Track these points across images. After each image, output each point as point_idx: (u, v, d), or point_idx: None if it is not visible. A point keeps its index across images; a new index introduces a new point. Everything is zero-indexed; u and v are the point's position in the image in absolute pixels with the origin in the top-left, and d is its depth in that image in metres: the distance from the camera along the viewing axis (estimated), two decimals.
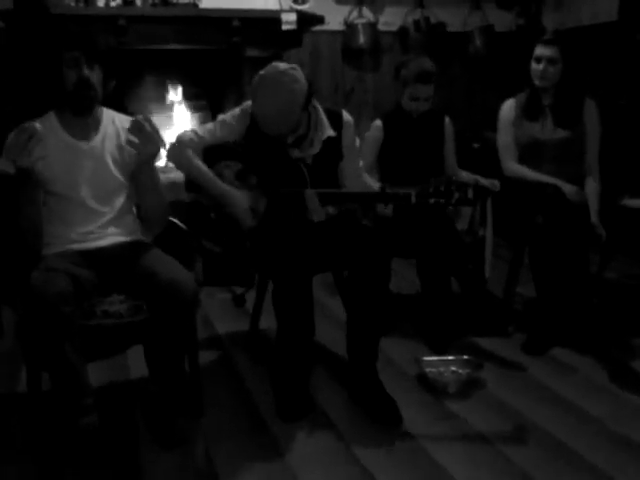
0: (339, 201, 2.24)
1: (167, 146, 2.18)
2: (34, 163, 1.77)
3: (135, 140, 1.90)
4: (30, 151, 1.74)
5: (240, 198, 2.22)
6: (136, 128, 1.89)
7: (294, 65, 2.14)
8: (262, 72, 2.11)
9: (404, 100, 2.75)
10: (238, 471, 1.84)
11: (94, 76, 1.95)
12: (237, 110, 2.31)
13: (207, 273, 3.37)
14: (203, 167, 2.26)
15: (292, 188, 2.19)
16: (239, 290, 3.26)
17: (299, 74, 2.10)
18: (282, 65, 2.12)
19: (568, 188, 2.61)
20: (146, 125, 1.89)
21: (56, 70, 1.94)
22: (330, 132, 2.26)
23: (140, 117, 1.91)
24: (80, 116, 2.02)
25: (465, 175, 2.87)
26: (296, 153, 2.25)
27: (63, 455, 1.90)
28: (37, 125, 1.77)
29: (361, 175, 2.47)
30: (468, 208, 2.77)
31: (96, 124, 2.06)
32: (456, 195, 2.04)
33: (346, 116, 2.35)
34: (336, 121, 2.30)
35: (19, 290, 1.86)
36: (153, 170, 2.05)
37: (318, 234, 2.21)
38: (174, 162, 2.34)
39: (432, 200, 2.05)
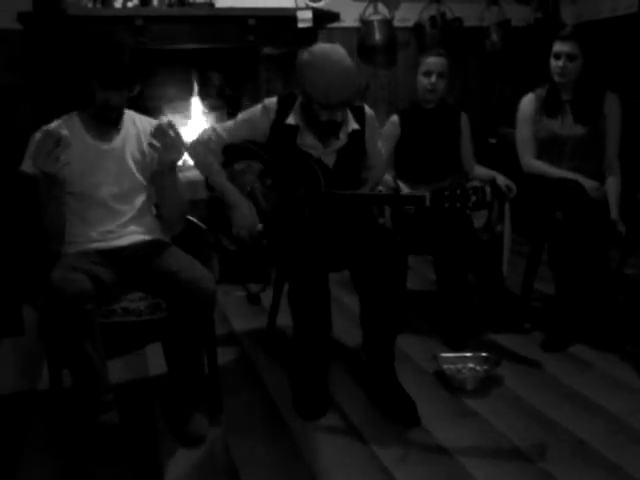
0: (353, 203, 2.23)
1: (187, 145, 2.19)
2: (60, 169, 1.79)
3: (158, 145, 1.91)
4: (57, 157, 1.76)
5: (244, 215, 2.22)
6: (160, 133, 1.90)
7: None
8: (313, 48, 2.12)
9: (418, 81, 2.75)
10: (257, 468, 1.86)
11: (122, 96, 1.96)
12: (258, 107, 2.30)
13: (223, 270, 3.39)
14: (220, 174, 2.28)
15: (308, 190, 2.19)
16: (254, 288, 3.27)
17: None
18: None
19: (588, 184, 2.58)
20: (169, 131, 1.90)
21: (85, 88, 1.94)
22: (355, 125, 2.28)
23: (164, 123, 1.92)
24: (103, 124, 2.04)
25: (483, 171, 2.86)
26: (319, 152, 2.25)
27: (85, 451, 1.92)
28: (64, 131, 1.79)
29: (382, 163, 2.48)
30: None
31: (117, 126, 2.07)
32: (473, 198, 1.98)
33: (368, 110, 2.36)
34: (359, 115, 2.31)
35: (41, 288, 1.89)
36: (174, 174, 2.05)
37: (334, 232, 2.22)
38: (193, 159, 2.37)
39: (447, 204, 2.00)
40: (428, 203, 2.02)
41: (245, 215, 2.22)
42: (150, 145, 1.93)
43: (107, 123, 2.02)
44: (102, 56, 1.87)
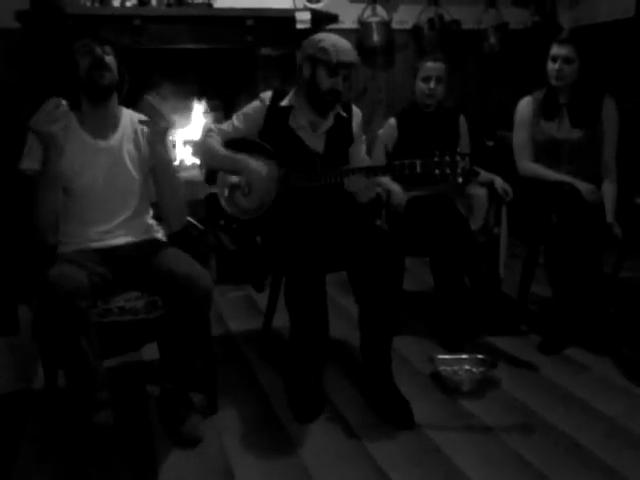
0: (347, 176, 2.25)
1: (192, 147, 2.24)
2: (58, 131, 1.82)
3: (146, 119, 1.96)
4: (56, 118, 1.80)
5: (260, 167, 2.26)
6: (147, 106, 1.95)
7: None
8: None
9: (417, 85, 2.76)
10: (252, 467, 1.86)
11: (108, 58, 1.98)
12: (255, 101, 2.40)
13: (221, 271, 3.38)
14: (223, 150, 2.33)
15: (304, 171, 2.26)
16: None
17: None
18: None
19: (584, 187, 2.59)
20: (155, 102, 1.96)
21: (70, 62, 1.97)
22: (341, 111, 2.39)
23: (149, 97, 1.97)
24: (98, 103, 2.02)
25: (482, 173, 2.85)
26: (309, 135, 2.32)
27: (81, 452, 1.91)
28: (63, 100, 1.83)
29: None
30: (482, 208, 2.77)
31: (115, 123, 2.07)
32: (461, 165, 2.06)
33: (355, 107, 2.48)
34: (347, 108, 2.43)
35: (36, 288, 1.88)
36: (167, 150, 2.06)
37: (330, 231, 2.22)
38: (199, 154, 2.45)
39: (437, 170, 2.09)
40: (419, 169, 2.12)
41: (263, 173, 2.26)
42: (140, 121, 1.99)
43: (99, 95, 2.00)
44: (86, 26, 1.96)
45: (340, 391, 2.28)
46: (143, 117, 2.12)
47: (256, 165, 2.27)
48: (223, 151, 2.33)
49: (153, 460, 1.89)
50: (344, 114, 2.39)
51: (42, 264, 1.92)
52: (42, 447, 1.97)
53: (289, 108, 2.32)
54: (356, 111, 2.46)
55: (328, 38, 2.25)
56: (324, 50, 2.21)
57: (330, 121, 2.36)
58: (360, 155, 2.46)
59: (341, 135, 2.39)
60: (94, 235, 2.03)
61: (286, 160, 2.28)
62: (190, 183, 3.07)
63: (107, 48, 1.98)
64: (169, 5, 3.43)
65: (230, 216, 2.33)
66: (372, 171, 2.21)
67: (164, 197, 2.09)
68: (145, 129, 2.06)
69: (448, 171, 2.08)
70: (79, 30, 2.00)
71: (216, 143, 2.35)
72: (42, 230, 1.95)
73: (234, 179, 2.33)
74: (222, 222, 2.34)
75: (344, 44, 2.24)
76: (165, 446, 1.95)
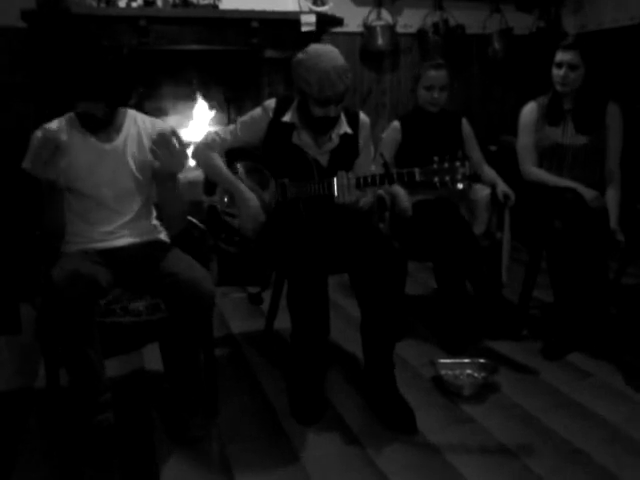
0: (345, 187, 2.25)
1: (192, 148, 2.22)
2: (60, 174, 1.79)
3: (159, 153, 1.89)
4: (56, 163, 1.76)
5: (252, 205, 2.25)
6: (162, 142, 1.88)
7: None
8: (306, 48, 2.18)
9: (420, 93, 2.76)
10: (252, 470, 1.85)
11: (97, 108, 1.93)
12: (258, 109, 2.36)
13: (222, 272, 3.38)
14: (223, 168, 2.32)
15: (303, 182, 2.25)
16: (254, 289, 3.27)
17: None
18: None
19: (588, 193, 2.58)
20: (172, 141, 1.88)
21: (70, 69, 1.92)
22: (347, 129, 2.32)
23: (168, 131, 1.91)
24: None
25: (489, 173, 2.83)
26: (314, 152, 2.29)
27: (81, 452, 1.91)
28: (63, 136, 1.79)
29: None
30: (485, 212, 2.76)
31: (118, 125, 2.06)
32: (461, 171, 2.04)
33: (363, 116, 2.41)
34: (353, 120, 2.36)
35: (39, 287, 1.88)
36: (175, 180, 2.04)
37: (332, 235, 2.22)
38: (197, 161, 2.42)
39: (436, 178, 2.06)
40: (418, 178, 2.09)
41: (251, 207, 2.24)
42: (152, 152, 1.92)
43: (89, 129, 2.00)
44: (79, 67, 1.86)
45: (341, 394, 2.27)
46: (147, 118, 2.12)
47: (248, 196, 2.25)
48: (221, 168, 2.31)
49: (153, 462, 1.89)
50: (350, 131, 2.32)
51: (46, 263, 1.92)
52: (42, 446, 1.97)
53: (291, 124, 2.27)
54: (363, 122, 2.38)
55: (314, 67, 2.09)
56: (309, 84, 2.11)
57: (335, 141, 2.30)
58: (363, 167, 2.38)
59: (346, 152, 2.35)
60: (98, 235, 2.03)
61: (286, 172, 2.27)
62: (192, 184, 3.08)
63: (101, 104, 1.91)
64: (175, 6, 3.44)
65: (231, 228, 2.33)
66: (371, 180, 2.19)
67: (166, 208, 2.10)
68: (149, 129, 2.06)
69: (447, 178, 2.05)
70: (82, 78, 1.86)
71: (216, 156, 2.33)
72: (48, 235, 1.96)
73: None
74: (223, 235, 2.34)
75: (331, 71, 2.08)
76: (165, 449, 1.95)
